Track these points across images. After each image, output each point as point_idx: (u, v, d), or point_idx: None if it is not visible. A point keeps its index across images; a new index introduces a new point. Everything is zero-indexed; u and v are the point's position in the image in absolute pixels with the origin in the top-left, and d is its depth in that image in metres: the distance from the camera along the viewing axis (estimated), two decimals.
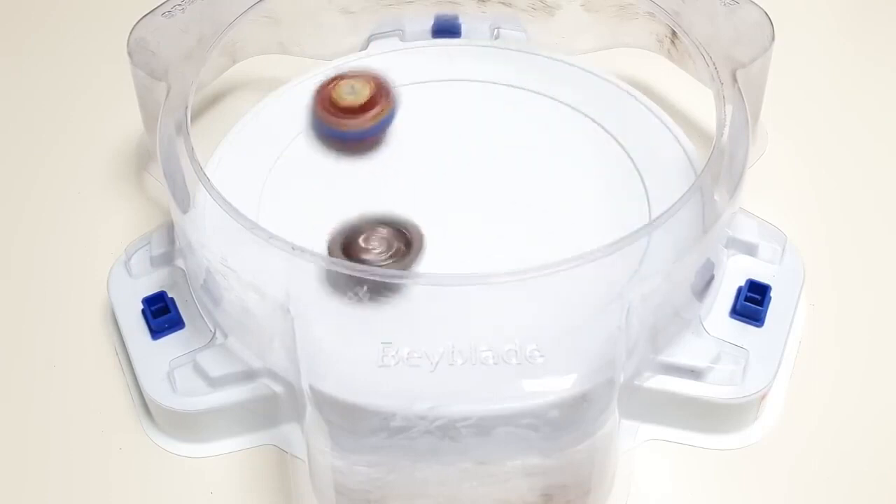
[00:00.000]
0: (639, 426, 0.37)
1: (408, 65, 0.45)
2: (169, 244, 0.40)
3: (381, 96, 0.40)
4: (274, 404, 0.36)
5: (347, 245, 0.36)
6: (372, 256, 0.36)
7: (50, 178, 0.46)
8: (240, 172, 0.41)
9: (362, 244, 0.36)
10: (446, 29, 0.47)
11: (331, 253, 0.36)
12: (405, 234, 0.37)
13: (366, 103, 0.40)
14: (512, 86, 0.44)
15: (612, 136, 0.42)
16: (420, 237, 0.37)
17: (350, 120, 0.40)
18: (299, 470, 0.35)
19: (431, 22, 0.47)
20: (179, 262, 0.39)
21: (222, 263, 0.34)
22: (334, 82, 0.41)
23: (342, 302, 0.34)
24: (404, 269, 0.36)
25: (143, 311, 0.38)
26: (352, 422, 0.32)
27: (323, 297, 0.35)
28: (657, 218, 0.34)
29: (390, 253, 0.36)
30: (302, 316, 0.33)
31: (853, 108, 0.49)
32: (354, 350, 0.33)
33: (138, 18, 0.41)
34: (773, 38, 0.40)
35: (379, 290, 0.34)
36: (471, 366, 0.32)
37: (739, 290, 0.38)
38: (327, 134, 0.41)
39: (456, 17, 0.47)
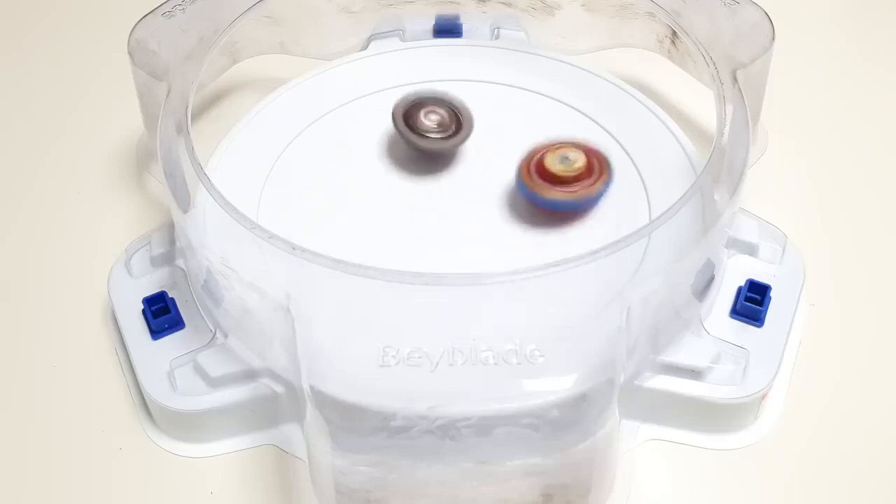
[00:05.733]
0: (639, 426, 0.37)
1: (408, 65, 0.45)
2: (169, 244, 0.40)
3: (593, 169, 0.38)
4: (274, 404, 0.36)
5: (408, 116, 0.40)
6: (426, 128, 0.39)
7: (50, 178, 0.46)
8: (240, 172, 0.41)
9: (422, 118, 0.39)
10: (447, 29, 0.47)
11: (395, 120, 0.39)
12: (458, 114, 0.40)
13: (578, 174, 0.38)
14: (512, 86, 0.44)
15: (612, 136, 0.42)
16: (470, 119, 0.40)
17: (559, 189, 0.38)
18: (299, 470, 0.35)
19: (432, 22, 0.47)
20: (180, 262, 0.39)
21: (223, 263, 0.34)
22: (548, 149, 0.38)
23: (342, 301, 0.34)
24: (454, 146, 0.39)
25: (144, 311, 0.38)
26: (352, 422, 0.32)
27: (323, 296, 0.35)
28: (657, 218, 0.34)
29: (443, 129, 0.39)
30: (302, 316, 0.33)
31: (853, 108, 0.49)
32: (354, 350, 0.33)
33: (138, 18, 0.41)
34: (773, 38, 0.40)
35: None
36: (471, 366, 0.32)
37: (739, 290, 0.38)
38: (532, 201, 0.39)
39: (456, 17, 0.47)
